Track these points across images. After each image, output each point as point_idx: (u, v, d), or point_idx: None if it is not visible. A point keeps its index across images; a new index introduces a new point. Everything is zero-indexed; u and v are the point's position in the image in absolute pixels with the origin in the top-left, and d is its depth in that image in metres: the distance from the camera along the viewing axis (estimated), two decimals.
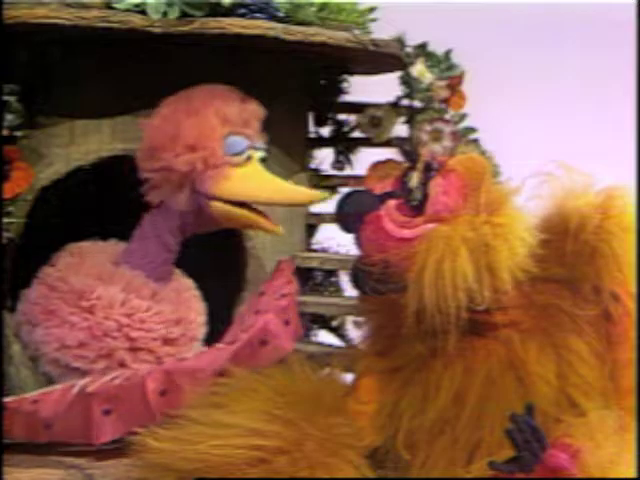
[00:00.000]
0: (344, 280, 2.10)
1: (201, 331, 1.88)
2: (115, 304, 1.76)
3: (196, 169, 1.73)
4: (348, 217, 1.52)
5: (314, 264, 2.01)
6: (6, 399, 1.70)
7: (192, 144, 1.73)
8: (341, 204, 1.54)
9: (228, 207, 1.76)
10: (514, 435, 1.32)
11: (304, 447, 1.46)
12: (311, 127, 2.12)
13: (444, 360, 1.48)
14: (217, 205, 1.75)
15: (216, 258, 2.02)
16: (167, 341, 1.80)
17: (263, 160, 1.79)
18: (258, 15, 1.79)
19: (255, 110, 1.79)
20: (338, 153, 2.15)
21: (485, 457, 1.39)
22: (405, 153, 1.53)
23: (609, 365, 1.44)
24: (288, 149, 1.99)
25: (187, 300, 1.86)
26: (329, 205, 2.10)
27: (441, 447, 1.45)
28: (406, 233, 1.45)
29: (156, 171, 1.76)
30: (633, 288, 1.45)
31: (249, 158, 1.76)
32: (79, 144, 1.83)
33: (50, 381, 1.77)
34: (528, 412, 1.34)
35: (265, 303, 1.80)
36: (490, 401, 1.44)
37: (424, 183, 1.47)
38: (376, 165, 2.03)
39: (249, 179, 1.76)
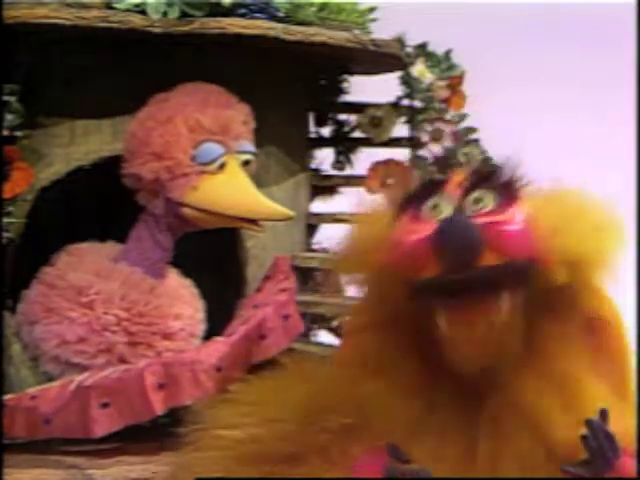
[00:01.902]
0: (344, 280, 2.10)
1: (200, 328, 1.88)
2: (114, 299, 1.77)
3: (161, 177, 1.73)
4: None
5: (314, 264, 2.01)
6: (5, 397, 1.70)
7: (158, 152, 1.73)
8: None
9: (199, 214, 1.76)
10: (589, 440, 1.29)
11: None
12: (311, 127, 2.12)
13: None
14: (188, 211, 1.76)
15: (216, 258, 2.01)
16: (166, 335, 1.80)
17: (247, 163, 1.78)
18: (258, 15, 1.79)
19: (235, 115, 1.77)
20: (338, 153, 2.14)
21: None
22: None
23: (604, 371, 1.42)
24: (288, 149, 1.98)
25: (185, 296, 1.86)
26: (329, 205, 2.12)
27: None
28: None
29: (129, 176, 1.77)
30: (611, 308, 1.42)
31: (222, 166, 1.76)
32: (79, 144, 1.83)
33: (50, 380, 1.77)
34: (602, 418, 1.31)
35: (264, 298, 1.80)
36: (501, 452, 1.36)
37: None
38: (376, 165, 2.04)
39: (218, 190, 1.75)
